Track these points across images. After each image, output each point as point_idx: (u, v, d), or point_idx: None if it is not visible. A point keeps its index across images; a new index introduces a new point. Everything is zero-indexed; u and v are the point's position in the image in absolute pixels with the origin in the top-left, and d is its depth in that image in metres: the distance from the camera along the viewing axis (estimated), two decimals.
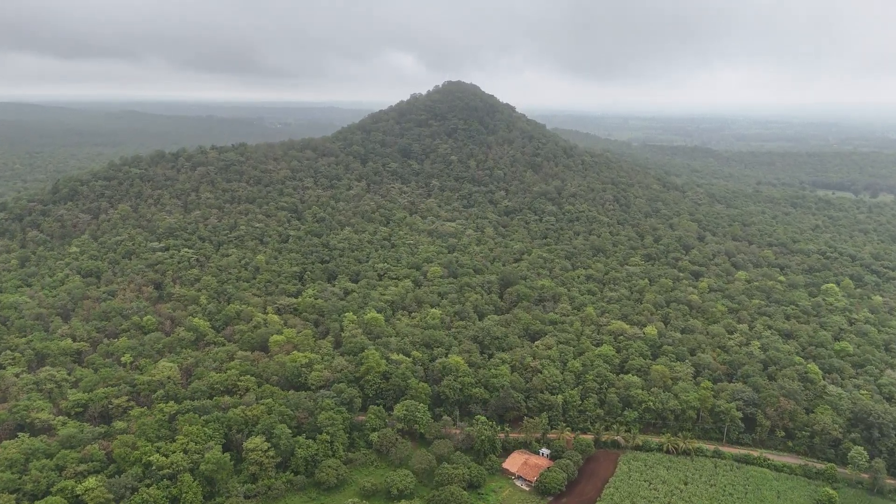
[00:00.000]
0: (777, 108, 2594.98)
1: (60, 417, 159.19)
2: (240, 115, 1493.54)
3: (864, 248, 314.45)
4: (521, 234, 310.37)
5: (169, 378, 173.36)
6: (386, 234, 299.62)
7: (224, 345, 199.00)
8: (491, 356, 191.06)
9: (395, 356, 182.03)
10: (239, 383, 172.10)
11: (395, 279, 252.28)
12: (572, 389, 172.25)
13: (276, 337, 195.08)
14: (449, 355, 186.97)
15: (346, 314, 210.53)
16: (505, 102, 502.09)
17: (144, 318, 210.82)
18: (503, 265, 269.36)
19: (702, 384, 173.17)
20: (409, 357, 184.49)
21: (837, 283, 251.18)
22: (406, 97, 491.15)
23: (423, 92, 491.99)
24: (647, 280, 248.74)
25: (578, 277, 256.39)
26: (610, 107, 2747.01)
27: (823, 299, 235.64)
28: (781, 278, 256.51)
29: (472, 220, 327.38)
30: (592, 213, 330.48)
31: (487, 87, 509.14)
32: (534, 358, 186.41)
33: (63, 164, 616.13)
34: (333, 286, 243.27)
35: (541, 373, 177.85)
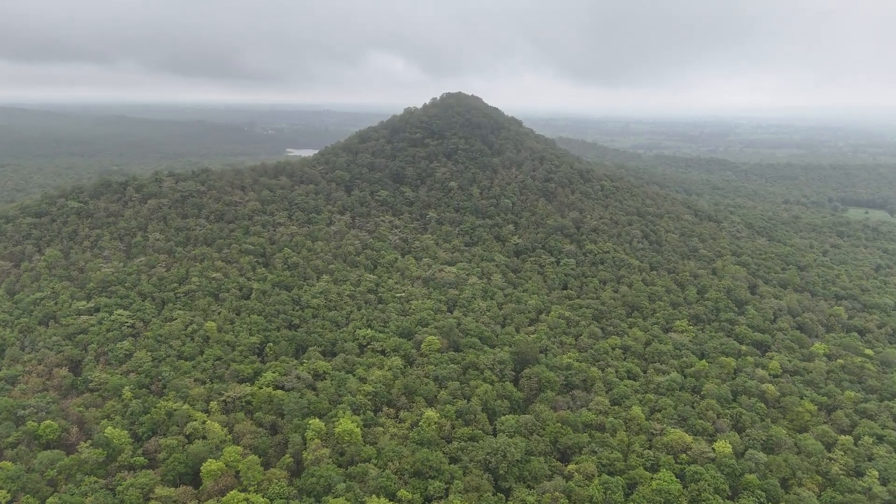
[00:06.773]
0: (777, 112, 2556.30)
1: None
2: (231, 120, 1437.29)
3: None
4: (535, 283, 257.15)
5: None
6: (372, 285, 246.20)
7: (142, 469, 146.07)
8: (509, 492, 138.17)
9: (373, 502, 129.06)
10: None
11: (380, 353, 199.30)
12: None
13: (211, 464, 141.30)
14: (450, 495, 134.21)
15: (312, 421, 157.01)
16: (510, 116, 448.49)
17: (43, 425, 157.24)
18: (516, 330, 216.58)
19: None
20: (393, 501, 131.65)
21: None
22: (402, 99, 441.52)
23: (420, 99, 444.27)
24: (703, 361, 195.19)
25: (613, 350, 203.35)
26: (610, 110, 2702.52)
27: None
28: (869, 352, 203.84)
29: (476, 262, 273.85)
30: (619, 255, 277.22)
31: (486, 92, 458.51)
32: (570, 501, 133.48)
33: (24, 181, 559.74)
34: (301, 364, 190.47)
35: None
